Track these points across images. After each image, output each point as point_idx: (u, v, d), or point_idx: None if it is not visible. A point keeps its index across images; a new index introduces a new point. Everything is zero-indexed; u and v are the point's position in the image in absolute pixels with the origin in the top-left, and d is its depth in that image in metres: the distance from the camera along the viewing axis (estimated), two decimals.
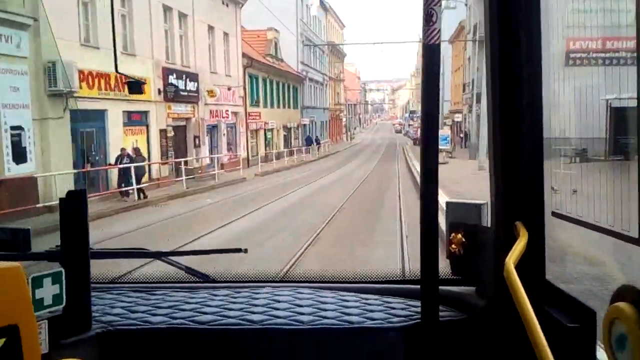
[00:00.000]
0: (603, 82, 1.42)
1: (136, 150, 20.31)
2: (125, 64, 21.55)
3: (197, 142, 27.89)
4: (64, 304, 1.37)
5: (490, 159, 1.59)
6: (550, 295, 1.42)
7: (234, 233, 12.21)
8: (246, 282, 2.10)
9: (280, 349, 1.63)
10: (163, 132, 24.55)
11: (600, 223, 1.21)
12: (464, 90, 48.53)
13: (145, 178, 21.13)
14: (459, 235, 1.70)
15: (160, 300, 1.85)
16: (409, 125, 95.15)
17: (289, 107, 47.67)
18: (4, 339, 0.88)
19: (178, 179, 22.85)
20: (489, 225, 1.64)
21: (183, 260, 2.05)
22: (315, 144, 49.84)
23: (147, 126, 23.72)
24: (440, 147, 1.82)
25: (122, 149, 19.52)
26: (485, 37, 1.57)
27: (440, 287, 1.57)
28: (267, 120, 39.50)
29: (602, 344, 1.10)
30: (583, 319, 1.30)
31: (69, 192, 1.53)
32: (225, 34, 32.54)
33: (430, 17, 1.47)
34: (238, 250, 2.11)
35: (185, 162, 25.31)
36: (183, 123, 27.29)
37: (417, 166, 29.95)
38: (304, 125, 52.81)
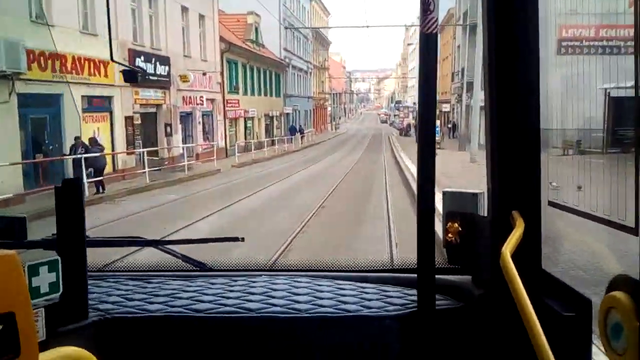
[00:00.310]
0: (599, 71, 1.39)
1: (92, 139, 18.12)
2: (84, 45, 19.35)
3: (168, 130, 25.74)
4: (60, 291, 1.34)
5: (487, 148, 1.56)
6: (546, 284, 1.42)
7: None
8: (243, 270, 2.06)
9: (277, 336, 1.62)
10: (129, 119, 22.36)
11: (596, 212, 1.22)
12: (452, 79, 46.90)
13: (109, 169, 19.13)
14: (456, 224, 1.69)
15: (157, 288, 1.83)
16: (395, 115, 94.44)
17: (270, 95, 45.46)
18: (0, 326, 0.88)
19: (151, 169, 20.72)
20: (485, 214, 1.63)
21: (179, 248, 2.02)
22: (298, 133, 48.22)
23: (111, 113, 21.50)
24: None
25: (76, 138, 17.30)
26: (483, 26, 1.54)
27: (436, 276, 1.57)
28: (247, 108, 37.38)
29: (597, 333, 1.06)
30: (579, 308, 1.29)
31: (65, 180, 1.48)
32: (201, 16, 30.29)
33: (427, 6, 1.46)
34: (235, 239, 2.10)
35: (155, 152, 23.23)
36: (153, 110, 25.12)
37: (404, 158, 28.69)
38: (287, 114, 50.68)
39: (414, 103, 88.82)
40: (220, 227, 11.41)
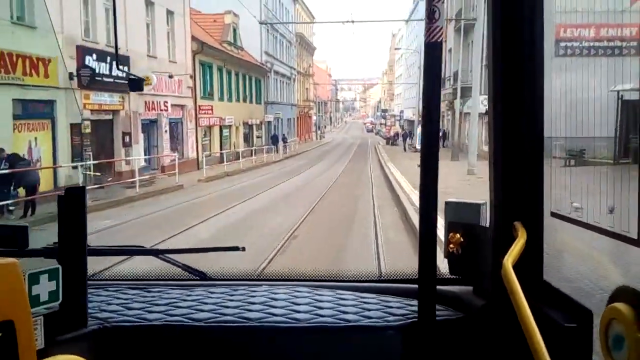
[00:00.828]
0: (604, 73, 1.36)
1: (13, 155, 14.75)
2: (18, 38, 16.17)
3: (127, 140, 22.46)
4: (60, 300, 1.34)
5: (489, 158, 1.55)
6: (547, 295, 1.41)
7: None
8: (243, 280, 2.04)
9: (277, 346, 1.61)
10: (76, 127, 19.04)
11: (599, 224, 1.22)
12: (443, 84, 44.17)
13: (48, 186, 15.94)
14: (458, 235, 1.67)
15: (156, 297, 1.82)
16: (381, 124, 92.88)
17: (250, 101, 42.29)
18: None
19: (93, 186, 17.39)
20: (487, 225, 1.62)
21: (180, 258, 2.01)
22: (281, 142, 45.44)
23: (53, 119, 18.21)
24: (419, 145, 5.79)
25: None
26: (487, 34, 1.55)
27: (437, 287, 1.57)
28: (223, 115, 34.21)
29: (598, 344, 1.05)
30: (580, 319, 1.29)
31: (68, 189, 1.50)
32: (170, 12, 27.12)
33: (432, 15, 1.44)
34: (236, 249, 2.07)
35: (107, 166, 19.98)
36: (109, 117, 21.86)
37: (393, 170, 25.93)
38: (269, 122, 47.56)
39: (401, 111, 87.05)
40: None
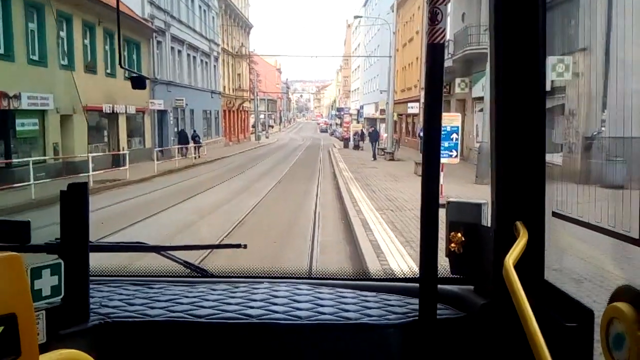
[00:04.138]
0: None
1: None
2: None
3: None
4: (62, 295, 1.32)
5: (491, 158, 1.49)
6: (548, 294, 1.38)
7: None
8: (245, 277, 1.98)
9: (277, 343, 1.55)
10: None
11: (600, 223, 1.19)
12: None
13: None
14: (459, 234, 1.61)
15: (158, 293, 1.76)
16: (337, 124, 76.87)
17: (112, 74, 23.45)
18: (1, 327, 0.85)
19: None
20: (489, 224, 1.56)
21: (181, 255, 1.95)
22: (193, 142, 29.95)
23: None
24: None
25: None
26: (490, 31, 1.47)
27: (439, 286, 1.50)
28: (10, 89, 15.60)
29: (599, 344, 1.02)
30: (581, 319, 1.26)
31: (70, 185, 1.44)
32: None
33: (435, 16, 1.39)
34: (237, 246, 2.03)
35: None
36: None
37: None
38: (161, 112, 28.82)
39: (360, 107, 70.08)
40: None
